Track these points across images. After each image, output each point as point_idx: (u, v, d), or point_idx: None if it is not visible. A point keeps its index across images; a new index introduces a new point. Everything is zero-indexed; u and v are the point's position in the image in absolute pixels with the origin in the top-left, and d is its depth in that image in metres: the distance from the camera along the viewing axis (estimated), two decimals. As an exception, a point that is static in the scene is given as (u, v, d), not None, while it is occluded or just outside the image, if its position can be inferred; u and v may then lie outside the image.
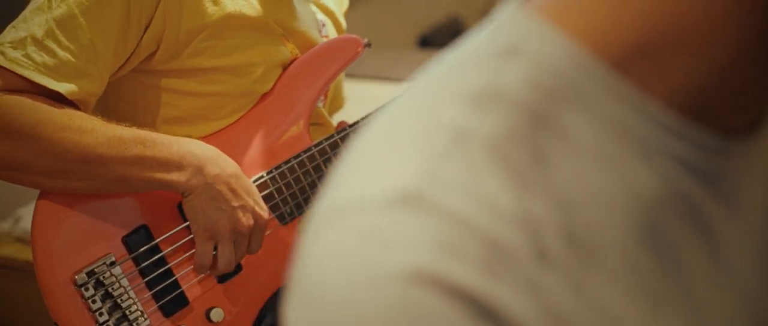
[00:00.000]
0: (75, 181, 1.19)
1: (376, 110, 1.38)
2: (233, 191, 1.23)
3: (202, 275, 1.30)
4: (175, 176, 1.20)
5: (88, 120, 1.18)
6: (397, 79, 2.52)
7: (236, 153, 1.30)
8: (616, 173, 0.41)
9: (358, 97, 1.62)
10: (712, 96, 0.42)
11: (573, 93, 0.41)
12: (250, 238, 1.27)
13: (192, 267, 1.28)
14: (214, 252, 1.26)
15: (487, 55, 0.43)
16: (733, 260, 0.45)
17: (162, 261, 1.27)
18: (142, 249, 1.26)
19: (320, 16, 1.44)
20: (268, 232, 1.31)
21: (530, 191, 0.39)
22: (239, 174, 1.25)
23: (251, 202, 1.25)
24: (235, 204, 1.23)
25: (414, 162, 0.40)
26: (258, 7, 1.29)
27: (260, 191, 1.31)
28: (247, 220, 1.24)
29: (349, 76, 1.55)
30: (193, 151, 1.22)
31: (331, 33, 1.46)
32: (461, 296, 0.37)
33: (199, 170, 1.21)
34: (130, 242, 1.25)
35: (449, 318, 0.37)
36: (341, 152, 1.36)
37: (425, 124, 0.41)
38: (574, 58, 0.41)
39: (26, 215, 1.98)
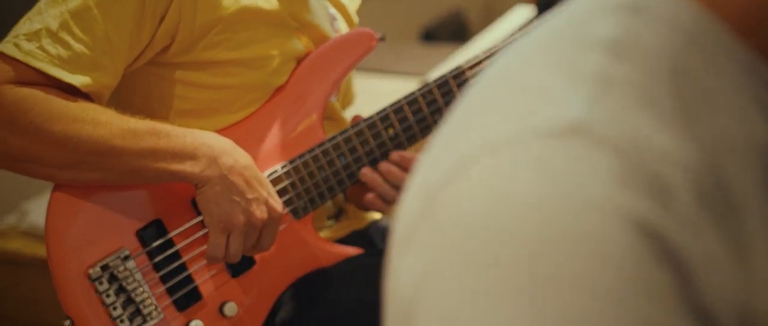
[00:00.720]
0: (88, 173, 1.18)
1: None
2: (248, 182, 1.22)
3: (216, 270, 1.29)
4: (188, 167, 1.19)
5: (102, 112, 1.17)
6: (400, 72, 2.51)
7: (250, 146, 1.28)
8: (745, 125, 0.43)
9: (360, 91, 1.61)
10: None
11: (699, 48, 0.43)
12: (262, 231, 1.26)
13: (205, 262, 1.27)
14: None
15: (615, 8, 0.44)
16: None
17: (176, 256, 1.26)
18: (156, 243, 1.25)
19: (331, 10, 1.43)
20: (282, 227, 1.30)
21: (680, 135, 0.40)
22: (253, 166, 1.24)
23: (265, 194, 1.24)
24: (250, 196, 1.22)
25: (568, 100, 0.40)
26: (273, 0, 1.28)
27: (274, 185, 1.30)
28: (260, 213, 1.23)
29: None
30: (208, 142, 1.21)
31: (343, 28, 1.45)
32: (643, 229, 0.37)
33: (213, 161, 1.20)
34: (144, 236, 1.24)
35: (634, 251, 0.37)
36: (355, 146, 1.35)
37: (568, 68, 0.42)
38: (695, 16, 0.43)
39: (32, 209, 1.97)
